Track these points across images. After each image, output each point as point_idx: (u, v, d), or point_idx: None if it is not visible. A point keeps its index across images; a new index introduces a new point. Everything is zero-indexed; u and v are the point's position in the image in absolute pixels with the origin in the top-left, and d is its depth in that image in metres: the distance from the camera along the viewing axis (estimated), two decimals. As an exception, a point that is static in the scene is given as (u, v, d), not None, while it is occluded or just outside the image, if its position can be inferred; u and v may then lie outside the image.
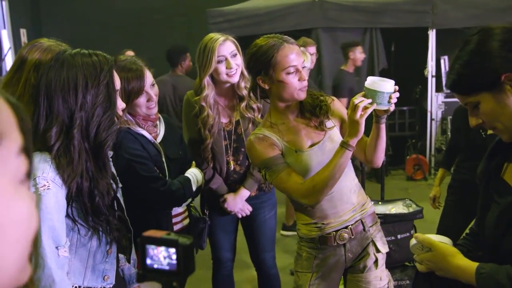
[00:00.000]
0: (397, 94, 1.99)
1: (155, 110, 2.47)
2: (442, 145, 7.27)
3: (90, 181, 1.65)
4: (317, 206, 2.20)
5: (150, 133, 2.46)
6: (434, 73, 7.27)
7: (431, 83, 7.28)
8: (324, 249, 2.27)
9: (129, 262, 2.00)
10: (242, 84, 2.81)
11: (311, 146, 2.18)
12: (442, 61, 7.47)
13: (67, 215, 1.64)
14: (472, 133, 3.38)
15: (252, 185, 2.94)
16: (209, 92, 2.76)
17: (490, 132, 3.28)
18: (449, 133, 7.00)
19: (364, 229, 2.28)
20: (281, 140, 2.17)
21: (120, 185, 1.94)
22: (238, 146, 2.89)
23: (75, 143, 1.62)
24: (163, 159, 2.45)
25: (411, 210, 3.58)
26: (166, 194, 2.35)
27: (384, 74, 4.25)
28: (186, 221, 2.68)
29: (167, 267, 0.76)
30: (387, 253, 2.38)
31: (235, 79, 2.77)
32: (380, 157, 2.23)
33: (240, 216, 3.01)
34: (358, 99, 1.97)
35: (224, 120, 2.87)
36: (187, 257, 0.74)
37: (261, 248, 3.11)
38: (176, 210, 2.59)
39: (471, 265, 1.39)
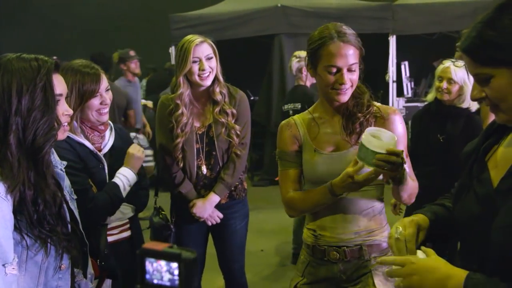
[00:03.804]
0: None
1: (106, 117, 2.41)
2: (403, 149, 7.39)
3: (33, 189, 1.58)
4: (319, 214, 2.12)
5: (94, 143, 2.40)
6: (395, 78, 7.42)
7: (392, 88, 7.42)
8: (317, 259, 2.16)
9: (85, 277, 1.93)
10: (217, 89, 2.81)
11: (332, 151, 2.06)
12: (402, 66, 7.63)
13: (14, 228, 1.56)
14: (431, 138, 3.44)
15: (222, 191, 2.88)
16: (184, 90, 2.78)
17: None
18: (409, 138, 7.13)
19: (362, 257, 2.08)
20: (307, 135, 2.11)
21: (74, 196, 1.89)
22: (210, 150, 2.85)
23: (13, 149, 1.55)
24: (106, 171, 2.40)
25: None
26: (92, 211, 2.28)
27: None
28: (126, 233, 2.56)
29: (168, 283, 0.71)
30: None
31: (207, 82, 2.77)
32: (407, 201, 2.10)
33: (210, 223, 2.93)
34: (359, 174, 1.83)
35: (196, 124, 2.85)
36: (190, 273, 0.69)
37: (230, 259, 3.06)
38: (115, 222, 2.50)
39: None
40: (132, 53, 6.38)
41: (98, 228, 2.39)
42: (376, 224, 2.10)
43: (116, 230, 2.51)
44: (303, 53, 4.73)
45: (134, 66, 6.37)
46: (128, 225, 2.56)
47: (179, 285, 0.70)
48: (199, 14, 7.71)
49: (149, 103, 8.14)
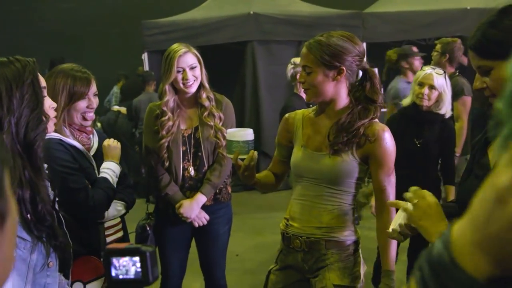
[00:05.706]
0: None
1: (90, 121, 2.51)
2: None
3: (31, 189, 1.62)
4: (293, 206, 2.33)
5: (84, 145, 2.47)
6: (365, 85, 7.56)
7: (363, 94, 7.56)
8: (286, 247, 2.34)
9: (67, 277, 1.96)
10: (204, 95, 2.92)
11: (315, 150, 2.24)
12: (372, 73, 7.78)
13: None
14: (406, 142, 3.52)
15: (209, 191, 2.94)
16: (170, 97, 2.89)
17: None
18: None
19: (320, 250, 2.24)
20: (301, 130, 2.31)
21: (56, 198, 1.93)
22: (196, 151, 2.94)
23: (7, 147, 1.58)
24: (96, 172, 2.48)
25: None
26: (93, 208, 2.38)
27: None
28: (120, 234, 2.65)
29: (132, 276, 0.79)
30: None
31: (191, 89, 2.89)
32: None
33: (196, 225, 2.98)
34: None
35: (182, 126, 2.95)
36: (151, 264, 0.77)
37: (212, 262, 3.13)
38: (111, 221, 2.57)
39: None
40: (415, 49, 5.59)
41: (97, 226, 2.47)
42: (338, 222, 2.26)
43: (112, 230, 2.59)
44: (298, 60, 4.51)
45: (418, 63, 5.31)
46: (120, 225, 2.65)
47: (142, 276, 0.77)
48: (172, 21, 7.74)
49: (123, 110, 8.13)
